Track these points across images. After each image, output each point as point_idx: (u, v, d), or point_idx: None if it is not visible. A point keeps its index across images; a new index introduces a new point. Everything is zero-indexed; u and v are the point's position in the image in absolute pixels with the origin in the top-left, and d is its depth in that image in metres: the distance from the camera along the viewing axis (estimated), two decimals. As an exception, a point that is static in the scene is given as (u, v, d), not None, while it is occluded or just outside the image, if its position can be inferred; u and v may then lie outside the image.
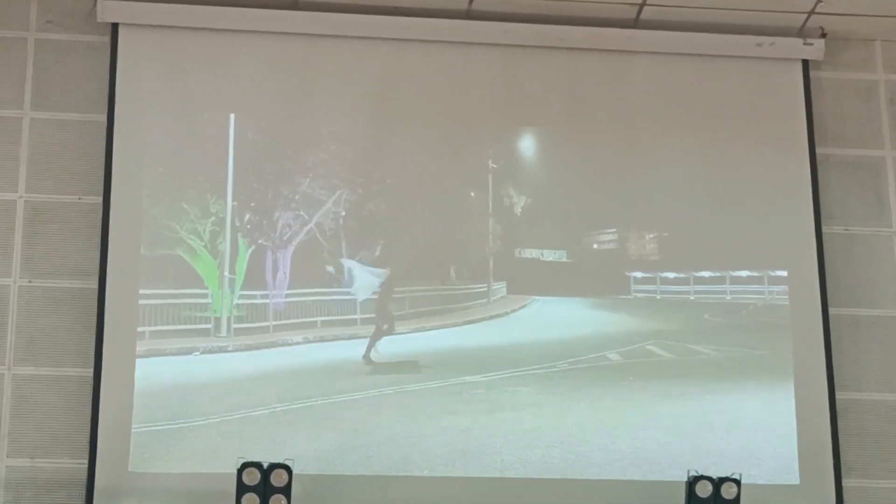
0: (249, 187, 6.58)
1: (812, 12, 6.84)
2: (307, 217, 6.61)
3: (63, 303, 6.36)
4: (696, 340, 6.70)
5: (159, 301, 6.34)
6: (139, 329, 6.28)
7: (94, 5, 6.62)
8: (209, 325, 6.39)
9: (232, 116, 6.63)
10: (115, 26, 6.62)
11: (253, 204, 6.56)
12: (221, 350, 6.37)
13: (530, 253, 6.69)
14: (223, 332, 6.37)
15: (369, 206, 6.65)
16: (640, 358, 6.61)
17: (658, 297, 6.72)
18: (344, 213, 6.64)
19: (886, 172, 6.95)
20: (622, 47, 6.91)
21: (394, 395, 6.38)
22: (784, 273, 6.78)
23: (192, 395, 6.27)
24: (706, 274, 6.73)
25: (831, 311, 6.66)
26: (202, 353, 6.36)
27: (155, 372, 6.27)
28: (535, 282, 6.67)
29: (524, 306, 6.63)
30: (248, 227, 6.54)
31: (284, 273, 6.48)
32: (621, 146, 6.83)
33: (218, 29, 6.70)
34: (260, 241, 6.55)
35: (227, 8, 6.68)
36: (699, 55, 6.96)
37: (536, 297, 6.65)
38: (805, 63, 7.00)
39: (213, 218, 6.51)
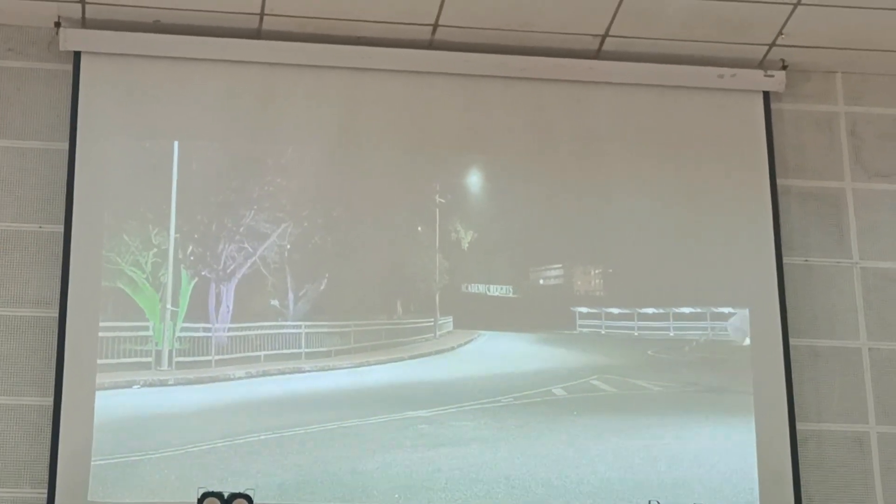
0: (193, 219, 6.56)
1: (773, 44, 6.83)
2: (252, 250, 6.59)
3: (22, 332, 6.35)
4: (641, 375, 6.67)
5: (108, 334, 6.33)
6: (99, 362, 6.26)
7: (57, 34, 6.62)
8: (150, 359, 6.37)
9: (182, 145, 6.62)
10: (77, 55, 6.61)
11: (196, 236, 6.53)
12: (162, 383, 6.34)
13: (477, 288, 6.68)
14: (164, 366, 6.36)
15: (315, 239, 6.64)
16: (585, 392, 6.59)
17: (603, 332, 6.70)
18: (289, 247, 6.62)
19: (846, 204, 6.95)
20: (584, 78, 6.90)
21: (338, 429, 6.36)
22: (734, 309, 6.73)
23: (141, 428, 6.25)
24: (650, 310, 6.71)
25: (792, 341, 6.65)
26: (142, 386, 6.33)
27: (108, 404, 6.24)
28: (481, 317, 6.67)
29: (470, 341, 6.63)
30: (192, 258, 6.52)
31: (227, 306, 6.48)
32: (580, 178, 6.83)
33: (180, 57, 6.69)
34: (203, 273, 6.53)
35: (189, 37, 6.68)
36: (660, 86, 6.95)
37: (483, 332, 6.65)
38: (766, 94, 6.99)
39: (156, 250, 6.49)
